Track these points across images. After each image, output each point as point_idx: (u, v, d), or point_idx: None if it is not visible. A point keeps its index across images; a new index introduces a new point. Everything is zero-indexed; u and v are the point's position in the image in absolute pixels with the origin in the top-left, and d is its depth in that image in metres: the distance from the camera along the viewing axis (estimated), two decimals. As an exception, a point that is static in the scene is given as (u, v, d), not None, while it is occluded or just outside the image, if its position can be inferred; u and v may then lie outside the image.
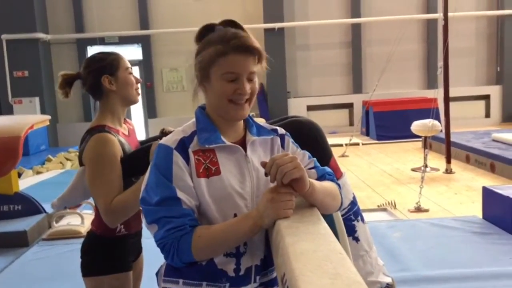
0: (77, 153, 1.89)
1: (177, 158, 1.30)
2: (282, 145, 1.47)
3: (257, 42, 1.34)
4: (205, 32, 1.36)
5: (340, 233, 1.45)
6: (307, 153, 1.49)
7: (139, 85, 2.04)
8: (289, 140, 1.49)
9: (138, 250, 2.11)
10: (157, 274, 1.45)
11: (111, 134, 1.87)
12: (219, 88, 1.32)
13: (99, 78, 1.92)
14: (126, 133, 2.01)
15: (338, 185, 1.46)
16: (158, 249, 1.31)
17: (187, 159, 1.31)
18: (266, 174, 1.23)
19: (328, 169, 1.48)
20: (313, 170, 1.44)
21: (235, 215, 1.33)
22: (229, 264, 1.35)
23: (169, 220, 1.26)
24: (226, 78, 1.31)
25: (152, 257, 2.01)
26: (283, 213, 1.22)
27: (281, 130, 1.50)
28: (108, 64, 1.93)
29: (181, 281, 1.36)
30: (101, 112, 1.96)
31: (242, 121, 1.43)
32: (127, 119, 2.11)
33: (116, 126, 1.96)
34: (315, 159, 1.49)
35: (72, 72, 2.02)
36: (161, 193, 1.28)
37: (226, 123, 1.38)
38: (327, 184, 1.38)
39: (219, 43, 1.31)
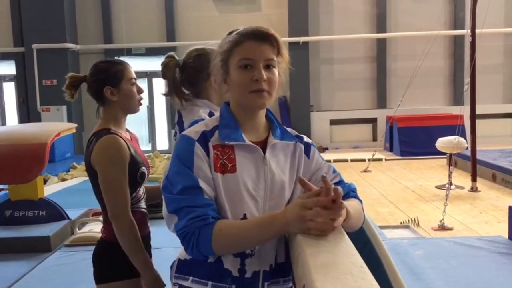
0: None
1: (198, 149, 1.31)
2: (307, 154, 1.44)
3: (272, 31, 1.34)
4: None
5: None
6: (332, 166, 1.47)
7: (142, 95, 2.07)
8: (315, 151, 1.47)
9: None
10: (171, 266, 1.46)
11: (118, 136, 1.91)
12: (237, 78, 1.32)
13: (102, 88, 1.97)
14: (129, 138, 2.05)
15: (360, 201, 1.44)
16: (170, 257, 1.31)
17: (207, 151, 1.32)
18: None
19: (353, 185, 1.46)
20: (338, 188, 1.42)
21: (245, 216, 1.32)
22: (234, 263, 1.34)
23: (191, 210, 1.25)
24: (242, 65, 1.30)
25: (162, 266, 2.01)
26: (311, 232, 1.18)
27: (307, 139, 1.48)
28: (112, 75, 1.97)
29: (190, 278, 1.37)
30: (104, 118, 2.01)
31: (266, 121, 1.42)
32: (129, 129, 2.15)
33: (119, 130, 1.99)
34: (340, 173, 1.47)
35: (80, 75, 2.07)
36: (183, 182, 1.28)
37: (249, 120, 1.38)
38: (354, 205, 1.36)
39: (235, 35, 1.34)
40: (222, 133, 1.34)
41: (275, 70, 1.34)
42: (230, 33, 1.39)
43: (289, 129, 1.47)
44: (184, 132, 1.36)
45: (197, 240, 1.24)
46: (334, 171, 1.46)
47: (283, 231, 1.24)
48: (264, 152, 1.36)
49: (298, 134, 1.47)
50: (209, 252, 1.26)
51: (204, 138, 1.33)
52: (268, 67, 1.32)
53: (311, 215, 1.16)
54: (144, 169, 1.99)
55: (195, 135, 1.33)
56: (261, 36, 1.32)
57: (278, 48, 1.34)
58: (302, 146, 1.44)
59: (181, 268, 1.40)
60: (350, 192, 1.42)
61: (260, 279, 1.37)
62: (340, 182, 1.43)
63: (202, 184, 1.28)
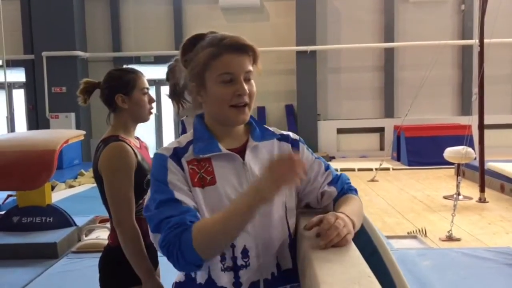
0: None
1: (171, 164, 1.28)
2: (297, 152, 1.40)
3: (248, 40, 1.29)
4: (194, 42, 1.33)
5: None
6: (322, 163, 1.44)
7: (153, 104, 2.10)
8: (304, 147, 1.44)
9: (154, 263, 2.11)
10: (172, 285, 1.44)
11: (126, 143, 1.94)
12: (217, 93, 1.28)
13: (113, 95, 2.00)
14: (138, 145, 2.07)
15: (356, 191, 1.43)
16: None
17: (181, 167, 1.29)
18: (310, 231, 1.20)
19: (344, 176, 1.44)
20: (332, 188, 1.40)
21: None
22: (228, 278, 1.29)
23: (168, 220, 1.20)
24: (222, 80, 1.26)
25: (169, 274, 2.02)
26: (283, 181, 1.12)
27: (294, 135, 1.45)
28: (124, 83, 2.00)
29: None
30: (114, 125, 2.04)
31: (244, 126, 1.38)
32: (139, 138, 2.17)
33: (128, 138, 2.02)
34: (331, 168, 1.45)
35: (94, 81, 2.11)
36: (159, 197, 1.24)
37: (225, 130, 1.35)
38: (356, 209, 1.33)
39: (210, 47, 1.28)
40: (196, 147, 1.31)
41: (253, 81, 1.31)
42: (195, 37, 1.34)
43: (271, 128, 1.44)
44: (156, 151, 1.34)
45: (180, 248, 1.17)
46: (327, 168, 1.43)
47: (256, 201, 1.14)
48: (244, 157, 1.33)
49: (283, 132, 1.44)
50: (195, 258, 1.18)
51: (176, 154, 1.30)
52: (247, 79, 1.29)
53: (284, 168, 1.11)
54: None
55: (167, 152, 1.31)
56: (240, 48, 1.27)
57: (254, 58, 1.31)
58: (289, 145, 1.41)
59: None
60: (345, 186, 1.41)
61: None
62: (333, 181, 1.42)
63: (178, 195, 1.24)
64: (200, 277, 1.30)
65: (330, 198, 1.40)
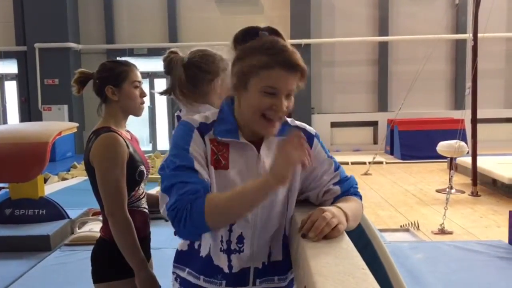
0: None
1: (197, 136, 1.32)
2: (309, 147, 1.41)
3: (301, 59, 1.29)
4: (247, 36, 1.32)
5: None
6: (334, 163, 1.46)
7: (144, 98, 2.09)
8: (318, 144, 1.45)
9: (147, 255, 2.10)
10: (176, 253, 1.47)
11: (117, 134, 1.93)
12: (255, 100, 1.27)
13: (104, 86, 2.00)
14: (129, 137, 2.07)
15: (360, 196, 1.45)
16: (168, 258, 1.29)
17: (204, 143, 1.32)
18: (303, 235, 1.20)
19: (353, 180, 1.46)
20: (337, 187, 1.41)
21: None
22: (223, 259, 1.35)
23: (183, 185, 1.23)
24: (265, 91, 1.26)
25: (161, 267, 2.01)
26: (293, 161, 1.14)
27: (310, 130, 1.46)
28: (115, 75, 2.00)
29: (186, 269, 1.39)
30: (105, 116, 2.03)
31: None
32: (129, 131, 2.16)
33: (119, 129, 2.01)
34: (342, 169, 1.46)
35: (89, 71, 2.10)
36: (180, 162, 1.27)
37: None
38: (353, 206, 1.35)
39: (265, 55, 1.25)
40: (217, 128, 1.34)
41: (292, 97, 1.32)
42: (249, 30, 1.33)
43: (289, 119, 1.44)
44: (184, 118, 1.36)
45: (190, 213, 1.20)
46: (336, 168, 1.44)
47: (268, 183, 1.17)
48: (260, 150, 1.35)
49: (298, 125, 1.45)
50: (202, 225, 1.20)
51: (201, 130, 1.33)
52: (288, 95, 1.30)
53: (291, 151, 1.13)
54: (143, 167, 2.00)
55: (194, 123, 1.34)
56: (292, 67, 1.26)
57: (301, 76, 1.30)
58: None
59: (178, 259, 1.42)
60: (351, 189, 1.43)
61: (250, 276, 1.36)
62: (340, 181, 1.43)
63: (197, 166, 1.27)
64: (203, 250, 1.36)
65: (332, 196, 1.42)
